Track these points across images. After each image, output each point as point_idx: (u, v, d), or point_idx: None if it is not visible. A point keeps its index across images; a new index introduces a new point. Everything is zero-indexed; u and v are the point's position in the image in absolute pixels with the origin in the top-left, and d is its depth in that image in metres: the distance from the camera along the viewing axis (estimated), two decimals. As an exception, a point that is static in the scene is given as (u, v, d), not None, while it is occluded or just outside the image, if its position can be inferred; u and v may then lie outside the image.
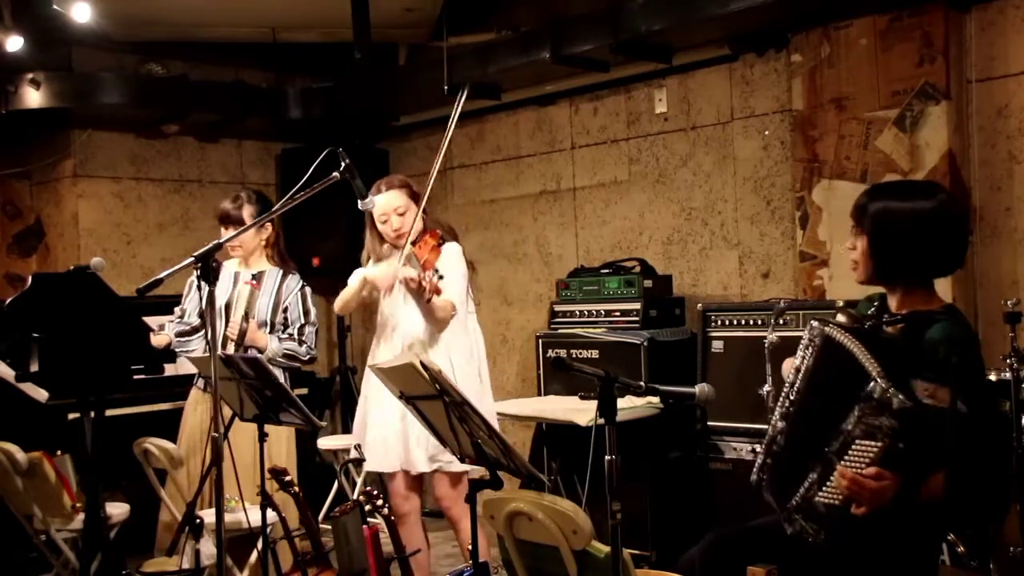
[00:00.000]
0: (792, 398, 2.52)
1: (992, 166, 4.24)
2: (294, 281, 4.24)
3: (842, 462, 2.31)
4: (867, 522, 2.32)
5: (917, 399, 2.25)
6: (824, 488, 2.37)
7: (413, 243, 3.59)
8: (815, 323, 2.49)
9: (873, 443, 2.26)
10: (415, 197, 3.72)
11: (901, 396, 2.21)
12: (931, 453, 2.29)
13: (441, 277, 3.43)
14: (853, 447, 2.31)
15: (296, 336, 4.16)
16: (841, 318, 2.53)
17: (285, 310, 4.18)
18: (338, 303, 3.79)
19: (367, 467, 3.76)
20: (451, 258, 3.66)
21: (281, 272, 4.24)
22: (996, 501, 2.41)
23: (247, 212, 4.16)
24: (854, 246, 2.58)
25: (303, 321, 4.19)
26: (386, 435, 3.63)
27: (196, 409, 4.19)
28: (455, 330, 3.68)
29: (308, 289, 4.26)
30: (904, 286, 2.56)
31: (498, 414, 4.08)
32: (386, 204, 3.67)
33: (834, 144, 4.44)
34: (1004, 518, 2.94)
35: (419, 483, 3.79)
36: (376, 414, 3.66)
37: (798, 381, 2.51)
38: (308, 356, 4.19)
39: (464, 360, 3.68)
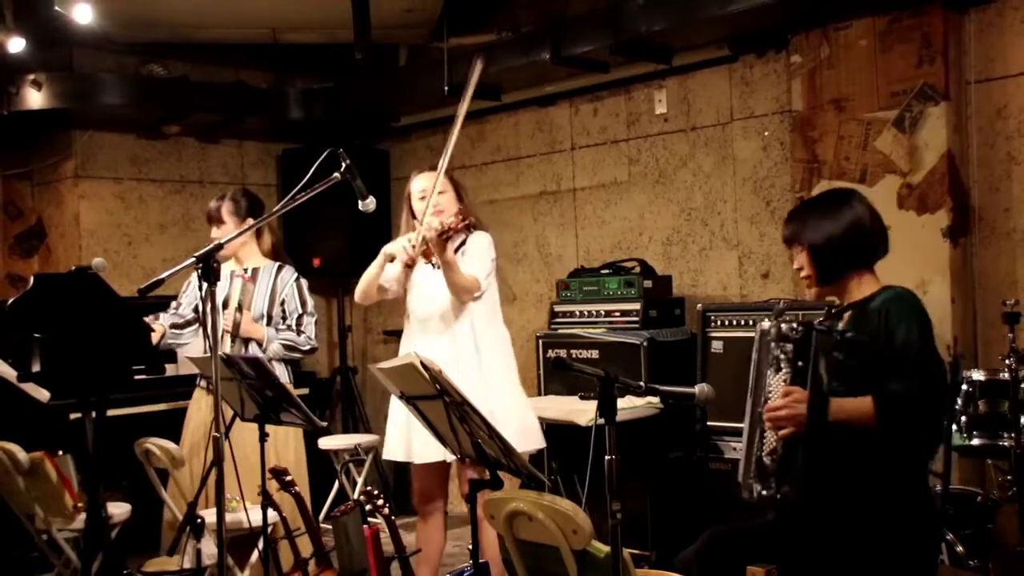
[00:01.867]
0: (750, 399, 2.71)
1: (991, 167, 4.25)
2: (289, 273, 4.26)
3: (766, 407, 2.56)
4: (815, 464, 2.50)
5: (806, 322, 2.53)
6: (764, 442, 2.57)
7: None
8: (759, 324, 2.73)
9: (781, 374, 2.53)
10: (455, 185, 3.80)
11: (788, 324, 2.52)
12: (832, 367, 2.52)
13: (463, 224, 3.51)
14: (770, 391, 2.56)
15: (294, 327, 4.17)
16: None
17: (282, 303, 4.19)
18: (358, 290, 3.78)
19: (417, 460, 3.69)
20: (479, 242, 3.70)
21: (276, 266, 4.27)
22: (930, 428, 2.62)
23: (225, 209, 4.21)
24: (801, 265, 2.79)
25: (301, 311, 4.20)
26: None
27: (200, 408, 4.21)
28: (481, 317, 3.67)
29: (304, 281, 4.29)
30: (853, 280, 2.74)
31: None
32: (428, 181, 3.73)
33: (833, 145, 4.45)
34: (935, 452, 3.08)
35: (447, 482, 3.79)
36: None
37: (750, 381, 2.72)
38: (308, 346, 4.20)
39: (493, 349, 3.67)
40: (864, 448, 2.53)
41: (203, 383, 4.21)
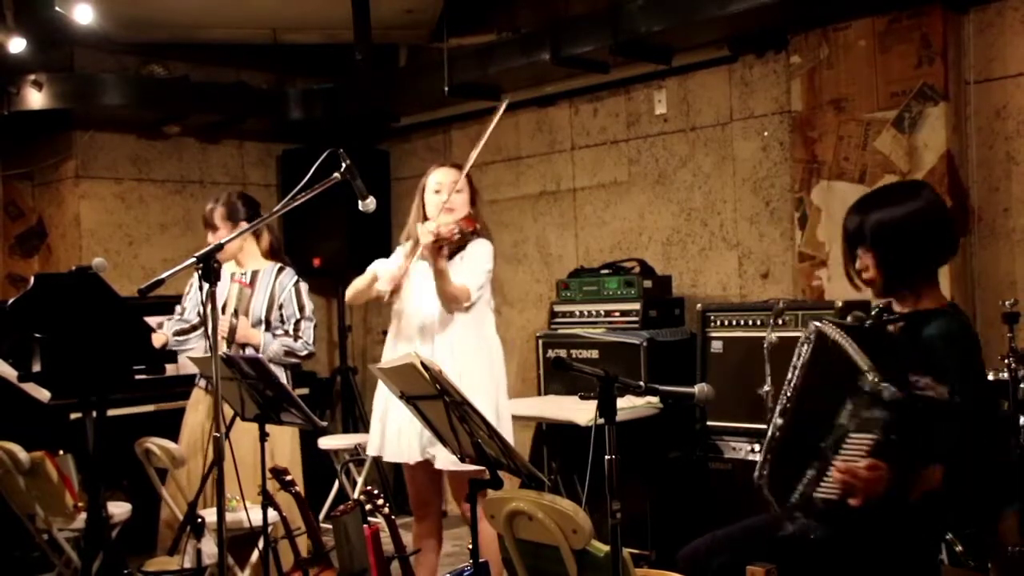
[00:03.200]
0: (789, 395, 2.55)
1: (990, 167, 4.26)
2: (287, 277, 4.21)
3: (838, 456, 2.34)
4: (864, 516, 2.34)
5: (909, 391, 2.28)
6: (822, 484, 2.40)
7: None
8: (813, 322, 2.53)
9: (867, 436, 2.30)
10: (473, 190, 3.78)
11: (893, 388, 2.25)
12: (924, 445, 2.31)
13: (462, 235, 3.49)
14: (848, 441, 2.34)
15: (292, 332, 4.13)
16: (848, 319, 2.56)
17: (280, 307, 4.16)
18: (349, 291, 3.76)
19: (388, 458, 3.70)
20: (479, 250, 3.67)
21: (276, 268, 4.23)
22: (990, 497, 2.44)
23: (218, 214, 4.19)
24: (866, 266, 2.61)
25: (298, 316, 4.16)
26: (405, 426, 3.55)
27: (197, 409, 4.21)
28: (466, 326, 3.63)
29: (303, 284, 4.24)
30: (917, 286, 2.60)
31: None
32: (447, 176, 3.71)
33: (833, 145, 4.45)
34: (996, 517, 2.96)
35: (440, 484, 3.79)
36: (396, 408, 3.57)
37: (795, 378, 2.55)
38: (305, 351, 4.16)
39: (471, 358, 3.61)
40: (924, 513, 2.43)
41: (202, 383, 4.21)
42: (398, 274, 3.64)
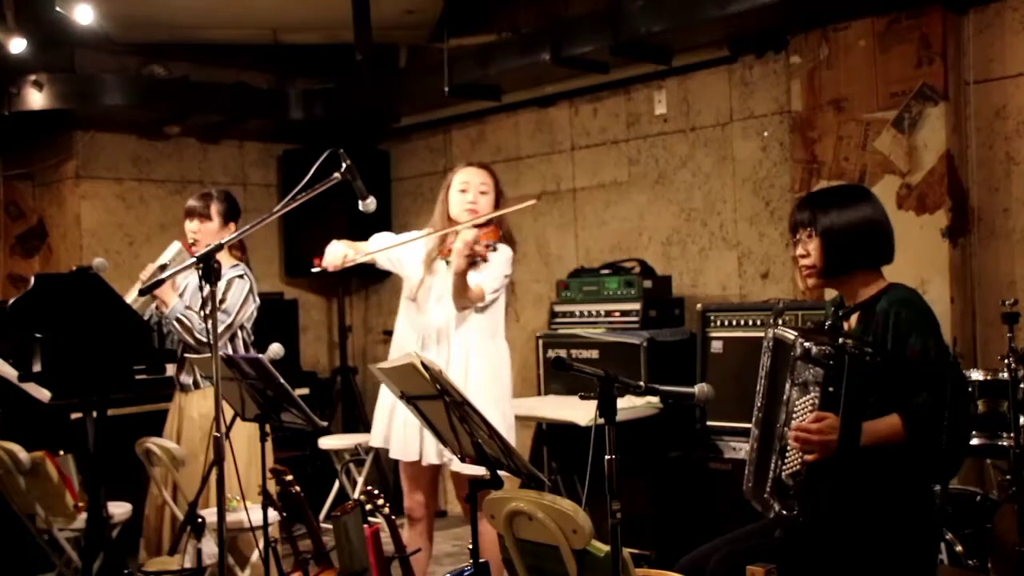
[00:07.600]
0: (759, 404, 2.65)
1: (990, 167, 4.26)
2: (234, 271, 4.09)
3: (790, 427, 2.47)
4: (836, 491, 2.42)
5: (838, 345, 2.41)
6: (785, 461, 2.48)
7: (477, 227, 3.60)
8: (770, 329, 2.64)
9: (808, 396, 2.44)
10: (499, 192, 3.74)
11: (819, 345, 2.41)
12: (864, 391, 2.42)
13: (494, 250, 3.50)
14: (795, 410, 2.46)
15: (201, 312, 3.89)
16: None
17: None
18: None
19: (392, 455, 3.68)
20: (499, 257, 3.65)
21: (231, 267, 4.11)
22: (958, 446, 2.55)
23: (215, 209, 4.14)
24: (807, 252, 2.69)
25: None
26: (411, 421, 3.49)
27: (177, 412, 4.15)
28: (480, 331, 3.62)
29: (244, 283, 4.08)
30: (860, 279, 2.69)
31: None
32: (474, 175, 3.69)
33: (833, 145, 4.45)
34: (958, 468, 3.01)
35: (435, 487, 3.77)
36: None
37: (761, 388, 2.64)
38: (202, 336, 3.91)
39: (482, 363, 3.60)
40: (888, 466, 2.49)
41: (181, 383, 4.13)
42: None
